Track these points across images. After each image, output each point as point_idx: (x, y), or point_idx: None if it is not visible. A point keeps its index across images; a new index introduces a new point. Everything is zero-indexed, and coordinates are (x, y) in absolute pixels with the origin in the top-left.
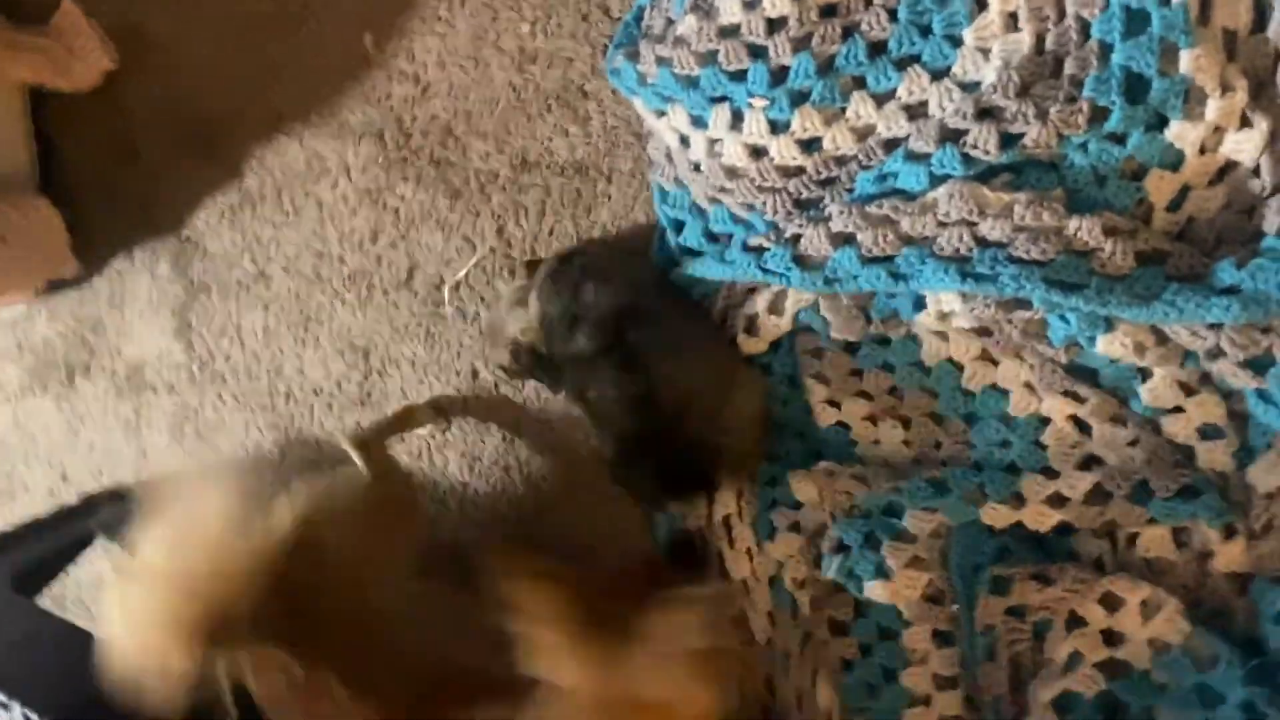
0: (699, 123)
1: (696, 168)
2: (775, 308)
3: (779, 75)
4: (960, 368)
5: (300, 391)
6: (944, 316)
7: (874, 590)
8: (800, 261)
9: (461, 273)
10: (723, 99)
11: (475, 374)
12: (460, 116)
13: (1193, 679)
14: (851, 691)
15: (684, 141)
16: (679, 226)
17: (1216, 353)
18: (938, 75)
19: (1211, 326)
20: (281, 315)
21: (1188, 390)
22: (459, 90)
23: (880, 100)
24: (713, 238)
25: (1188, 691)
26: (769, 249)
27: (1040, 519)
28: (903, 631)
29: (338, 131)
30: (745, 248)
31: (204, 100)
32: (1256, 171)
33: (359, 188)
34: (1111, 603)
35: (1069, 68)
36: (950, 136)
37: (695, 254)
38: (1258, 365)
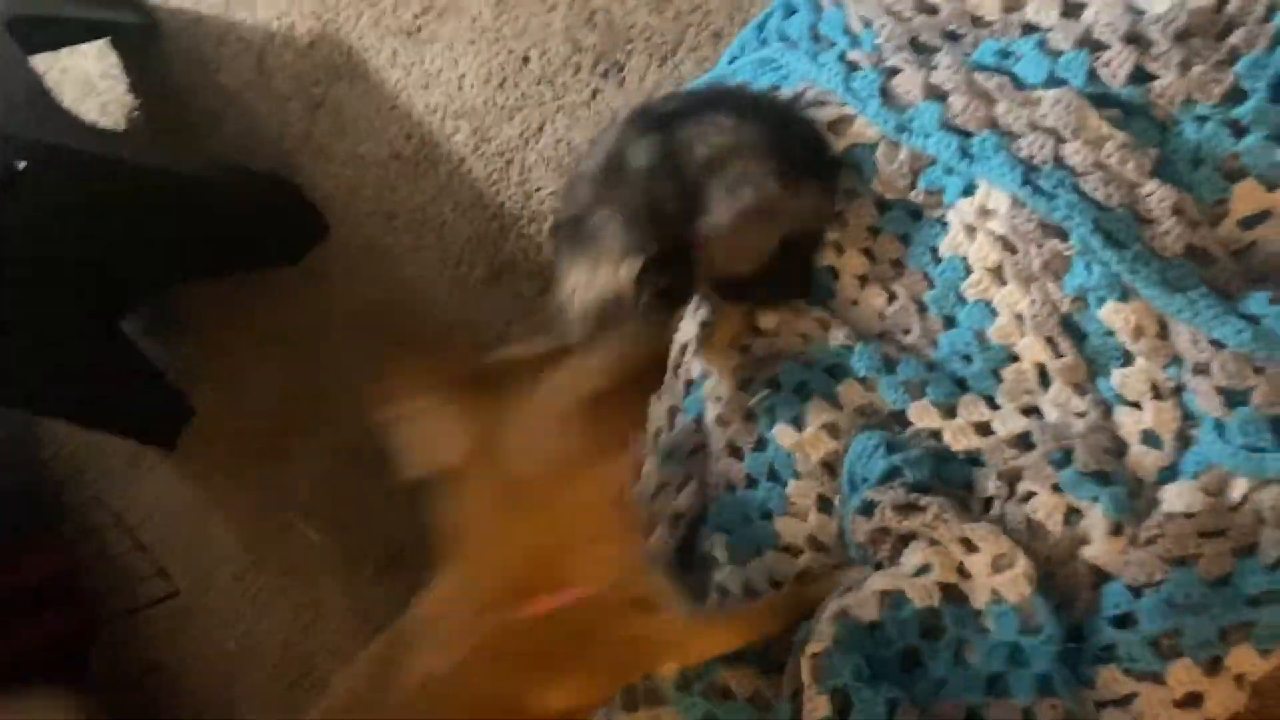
0: None
1: None
2: (835, 128)
3: None
4: (968, 271)
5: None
6: (985, 213)
7: (781, 434)
8: (885, 95)
9: None
10: None
11: None
12: None
13: (1012, 635)
14: (727, 509)
15: None
16: (790, 11)
17: (1202, 369)
18: None
19: (1213, 343)
20: None
21: (1157, 393)
22: None
23: None
24: (816, 37)
25: (1002, 644)
26: (863, 69)
27: (959, 437)
28: (791, 481)
29: None
30: (842, 57)
31: None
32: None
33: None
34: (969, 546)
35: (1235, 38)
36: (1089, 45)
37: (792, 44)
38: (1232, 398)
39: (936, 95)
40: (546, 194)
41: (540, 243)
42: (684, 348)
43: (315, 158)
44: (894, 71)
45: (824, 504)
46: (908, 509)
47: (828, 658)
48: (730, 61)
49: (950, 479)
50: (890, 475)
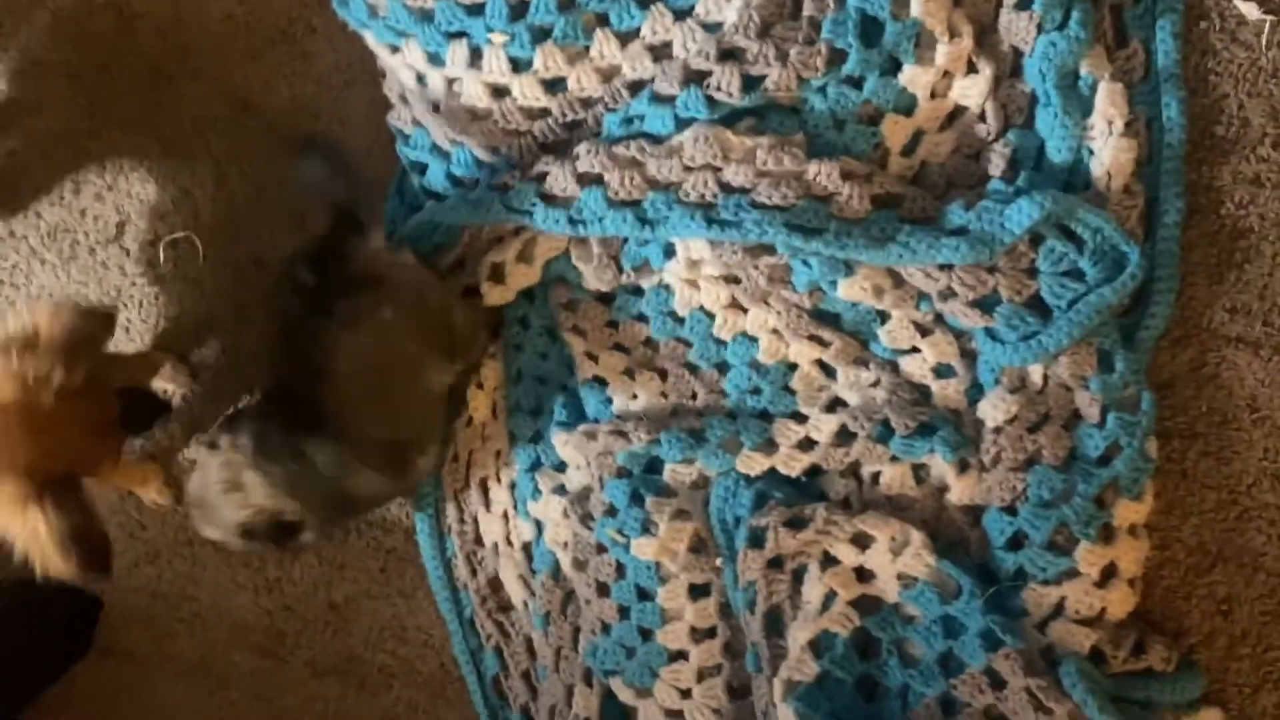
0: (436, 60)
1: (435, 108)
2: (525, 255)
3: (519, 10)
4: (712, 316)
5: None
6: (694, 264)
7: (641, 547)
8: (546, 200)
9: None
10: (460, 34)
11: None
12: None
13: (938, 610)
14: (607, 654)
15: (421, 80)
16: (421, 169)
17: (948, 294)
18: (681, 14)
19: (943, 268)
20: None
21: (923, 331)
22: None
23: (624, 39)
24: (456, 181)
25: (933, 622)
26: (514, 186)
27: (791, 463)
28: (659, 589)
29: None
30: (490, 187)
31: None
32: (983, 116)
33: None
34: (862, 541)
35: (807, 9)
36: (694, 78)
37: (439, 197)
38: (985, 304)
39: (591, 181)
40: None
41: None
42: (504, 515)
43: None
44: (543, 176)
45: (695, 590)
46: (796, 523)
47: None
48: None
49: (808, 496)
50: (760, 502)
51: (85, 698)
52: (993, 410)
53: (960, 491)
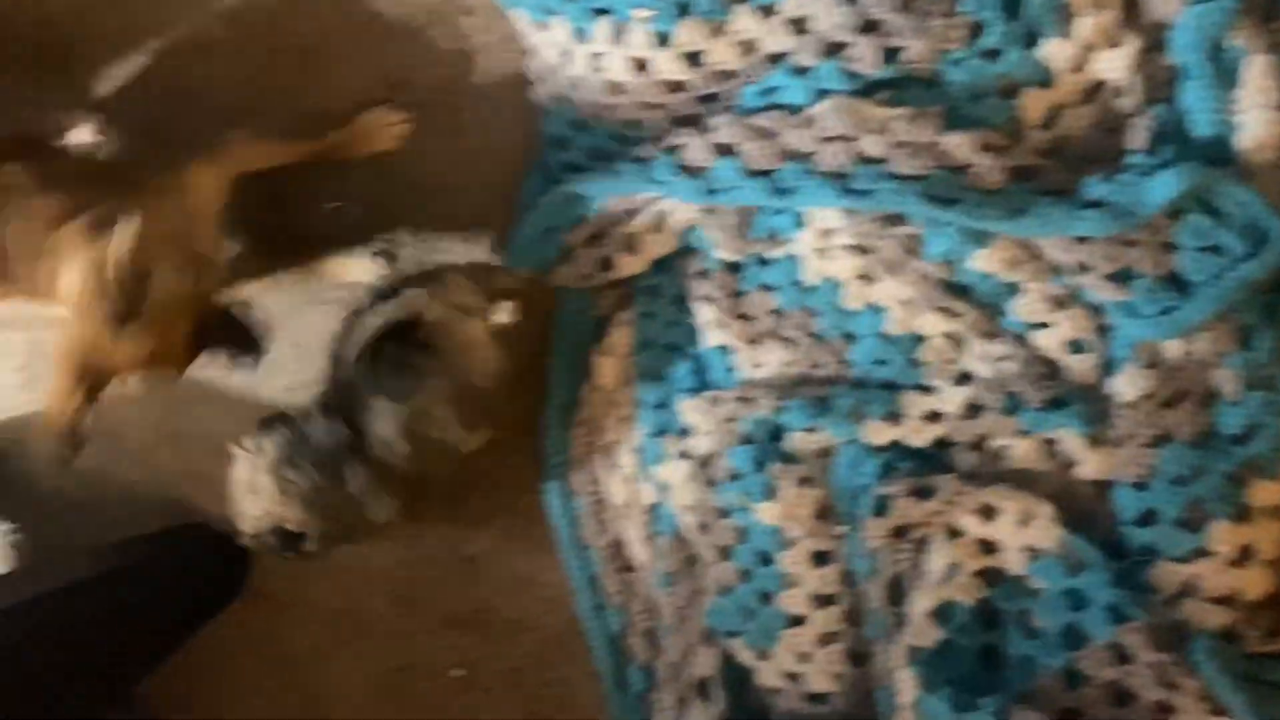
0: (581, 36)
1: (578, 83)
2: (658, 225)
3: None
4: (841, 286)
5: None
6: (825, 233)
7: (765, 512)
8: (682, 170)
9: None
10: (606, 11)
11: None
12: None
13: (1063, 583)
14: (728, 616)
15: (565, 56)
16: (562, 144)
17: (1084, 267)
18: None
19: (1079, 241)
20: None
21: (1057, 305)
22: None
23: (765, 13)
24: (595, 154)
25: (1058, 595)
26: (651, 158)
27: (918, 434)
28: (781, 554)
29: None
30: (628, 159)
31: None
32: (1124, 91)
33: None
34: (989, 513)
35: None
36: (833, 50)
37: (578, 169)
38: (1122, 278)
39: (726, 152)
40: None
41: None
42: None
43: None
44: (679, 148)
45: (818, 558)
46: (921, 493)
47: (922, 704)
48: (527, 211)
49: (933, 469)
50: (885, 472)
51: (232, 639)
52: (1126, 386)
53: (1091, 466)
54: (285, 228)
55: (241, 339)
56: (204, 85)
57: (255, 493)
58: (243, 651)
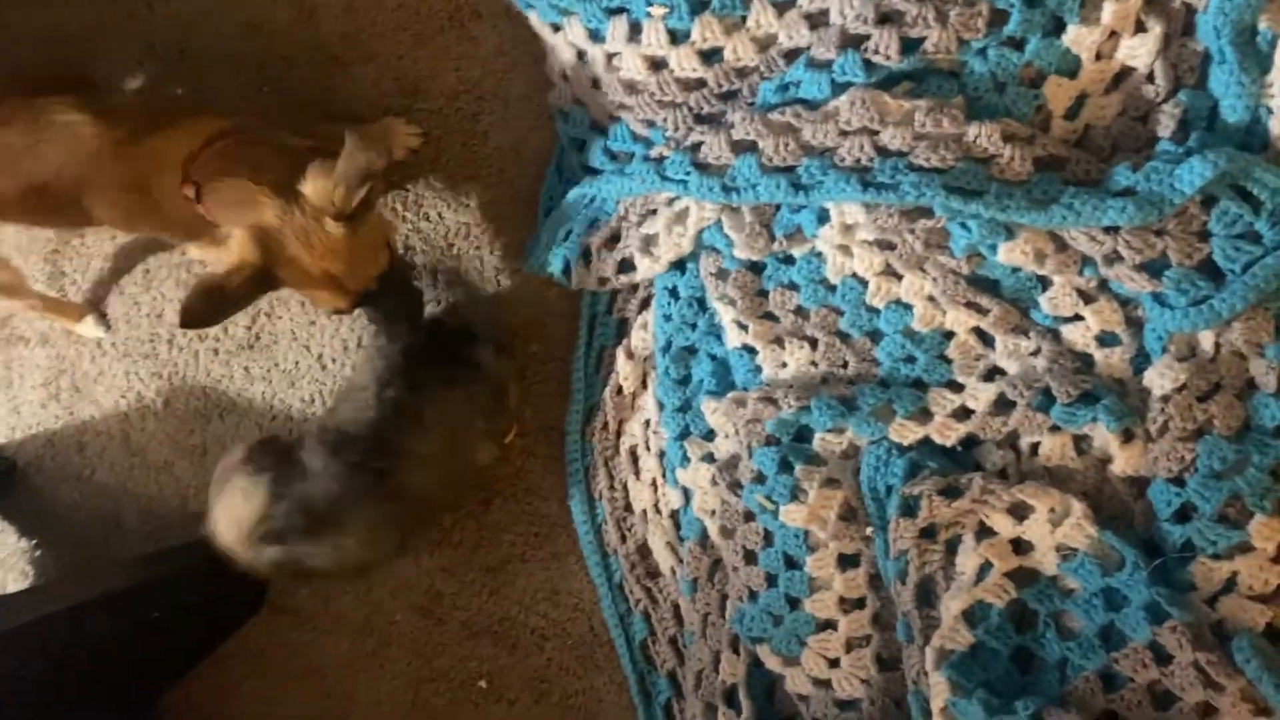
0: (596, 36)
1: (595, 84)
2: (676, 226)
3: None
4: (865, 283)
5: (183, 337)
6: (848, 229)
7: (790, 513)
8: (700, 168)
9: None
10: (620, 10)
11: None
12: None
13: (1099, 583)
14: (754, 622)
15: (581, 57)
16: (580, 145)
17: (1114, 257)
18: None
19: (1108, 231)
20: (162, 257)
21: (1086, 298)
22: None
23: (781, 8)
24: (613, 155)
25: (1094, 595)
26: (669, 157)
27: (946, 432)
28: (808, 558)
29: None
30: (646, 159)
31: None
32: (1151, 77)
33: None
34: (1020, 511)
35: None
36: (852, 43)
37: (596, 172)
38: (1154, 268)
39: (745, 149)
40: None
41: None
42: (653, 483)
43: None
44: (697, 146)
45: (844, 560)
46: (950, 492)
47: (954, 709)
48: (547, 214)
49: (962, 468)
50: (913, 471)
51: (255, 652)
52: (1160, 379)
53: (1124, 462)
54: None
55: (400, 305)
56: (219, 96)
57: (235, 524)
58: (268, 665)
